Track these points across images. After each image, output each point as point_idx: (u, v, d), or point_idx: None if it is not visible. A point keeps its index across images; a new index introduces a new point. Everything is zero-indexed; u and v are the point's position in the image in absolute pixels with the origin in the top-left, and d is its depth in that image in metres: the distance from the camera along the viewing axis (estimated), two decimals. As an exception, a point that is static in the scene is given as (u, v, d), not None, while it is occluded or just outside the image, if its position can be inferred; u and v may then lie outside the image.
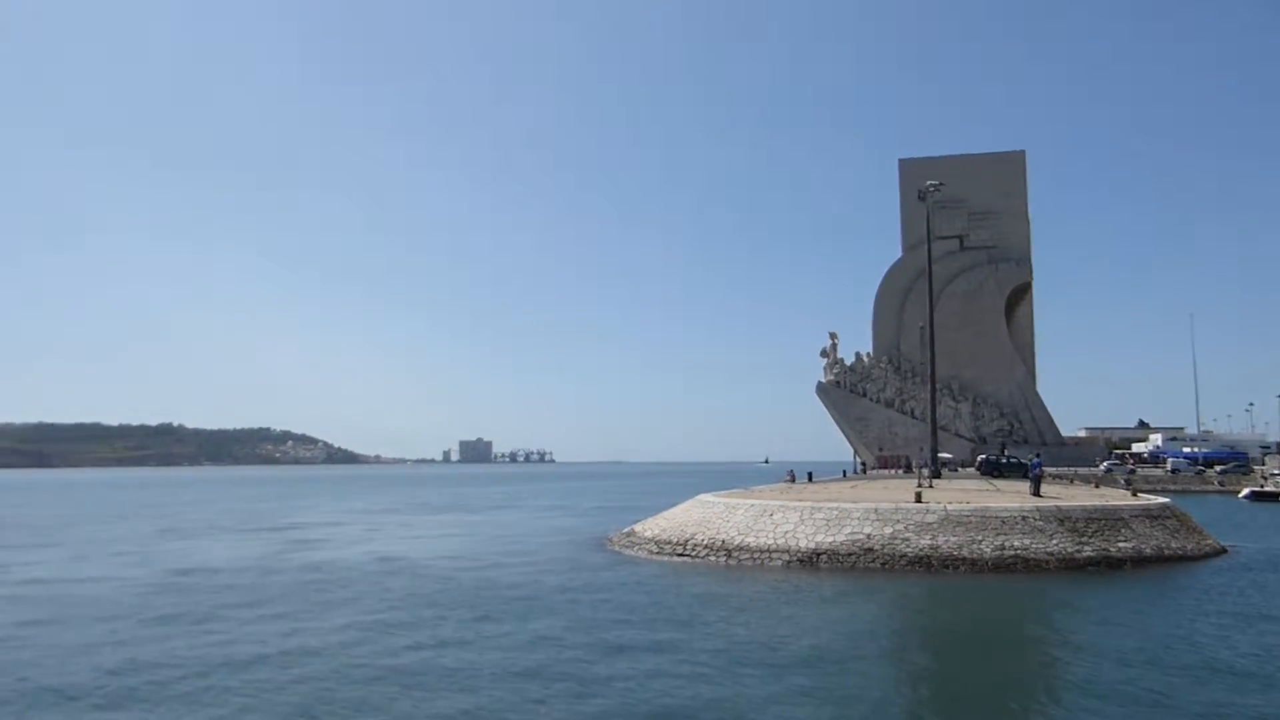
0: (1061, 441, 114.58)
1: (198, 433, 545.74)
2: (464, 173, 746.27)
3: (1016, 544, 31.37)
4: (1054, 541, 31.68)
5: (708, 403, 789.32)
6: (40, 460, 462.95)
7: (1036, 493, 39.22)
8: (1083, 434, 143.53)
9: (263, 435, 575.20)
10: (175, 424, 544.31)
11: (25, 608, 25.79)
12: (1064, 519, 33.25)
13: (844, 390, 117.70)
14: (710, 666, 17.62)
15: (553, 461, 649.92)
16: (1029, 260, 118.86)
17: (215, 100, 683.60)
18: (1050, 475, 57.05)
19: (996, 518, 33.00)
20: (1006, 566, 30.36)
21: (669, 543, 37.91)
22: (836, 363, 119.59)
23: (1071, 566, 30.49)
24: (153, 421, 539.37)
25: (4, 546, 45.26)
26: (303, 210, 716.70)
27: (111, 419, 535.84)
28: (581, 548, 41.41)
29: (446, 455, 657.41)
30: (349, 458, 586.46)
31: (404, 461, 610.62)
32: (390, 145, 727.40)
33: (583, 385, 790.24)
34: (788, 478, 60.91)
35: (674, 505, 47.24)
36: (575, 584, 29.25)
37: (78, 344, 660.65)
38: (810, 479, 59.98)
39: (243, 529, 56.42)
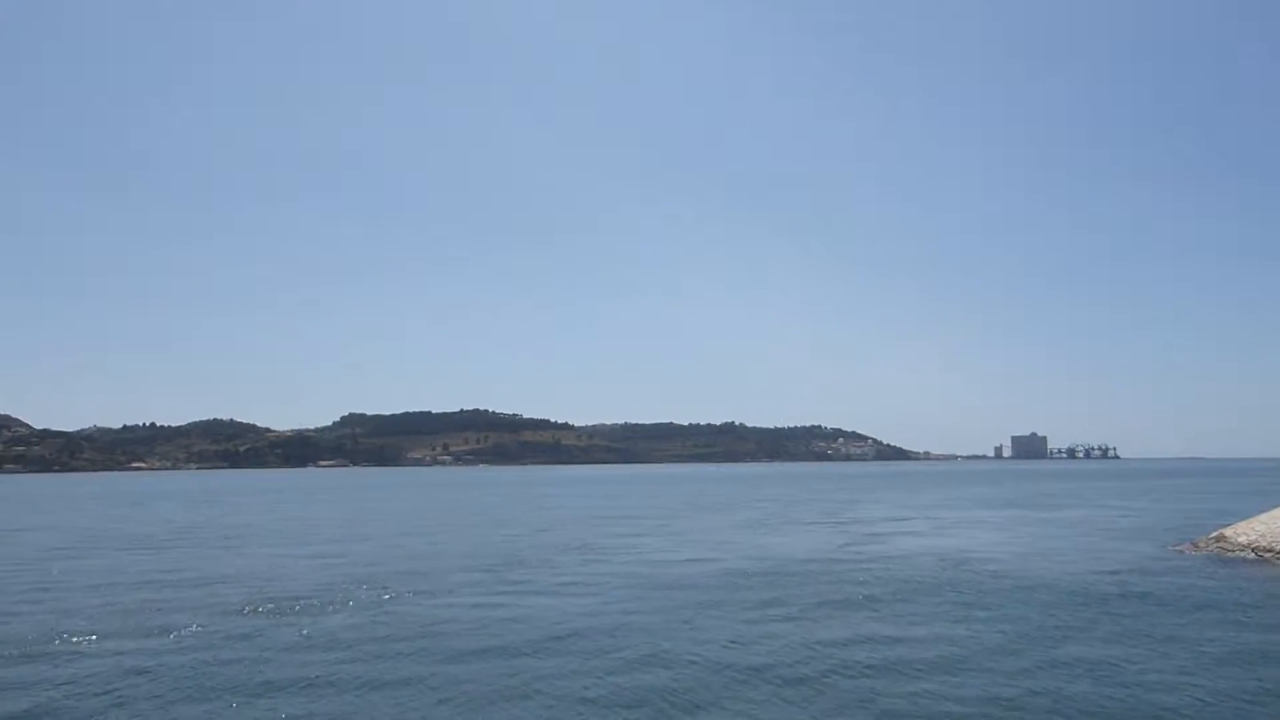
0: None
1: (756, 430, 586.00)
2: (1022, 169, 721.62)
3: None
4: None
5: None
6: (627, 456, 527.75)
7: None
8: None
9: (815, 433, 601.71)
10: (737, 423, 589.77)
11: (638, 584, 30.55)
12: None
13: None
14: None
15: (1116, 457, 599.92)
16: None
17: (723, 95, 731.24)
18: None
19: None
20: None
21: (1271, 550, 34.21)
22: None
23: None
24: (718, 421, 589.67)
25: (630, 533, 52.97)
26: (847, 210, 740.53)
27: (683, 419, 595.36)
28: (1161, 552, 38.72)
29: (998, 451, 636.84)
30: (898, 454, 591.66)
31: (954, 458, 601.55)
32: (940, 143, 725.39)
33: (1152, 374, 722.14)
34: None
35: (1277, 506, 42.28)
36: (1170, 592, 27.74)
37: (659, 352, 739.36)
38: None
39: (812, 522, 60.28)
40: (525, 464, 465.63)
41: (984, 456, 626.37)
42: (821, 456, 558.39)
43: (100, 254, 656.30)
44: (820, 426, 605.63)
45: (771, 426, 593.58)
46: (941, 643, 20.39)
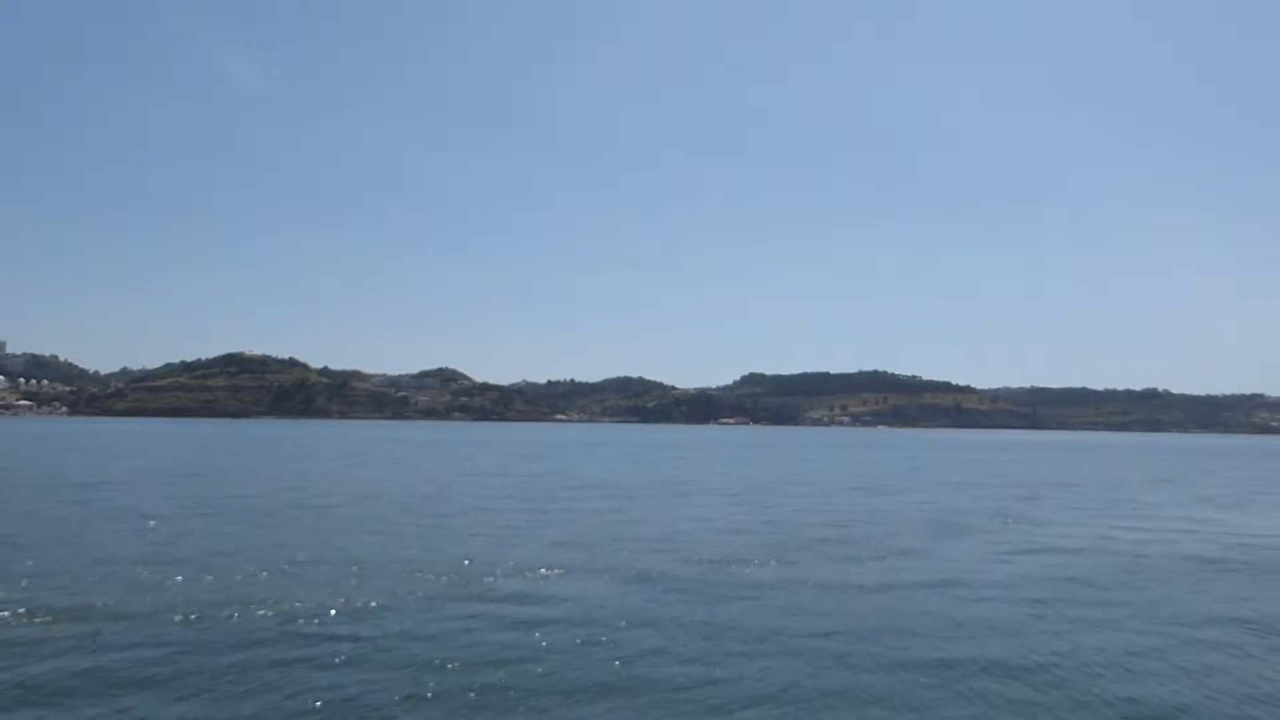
0: None
1: (1184, 398, 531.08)
2: None
3: None
4: None
5: None
6: (1034, 422, 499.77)
7: None
8: None
9: (1256, 401, 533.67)
10: (1160, 389, 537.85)
11: (1102, 567, 29.81)
12: None
13: None
14: None
15: None
16: None
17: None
18: None
19: None
20: None
21: None
22: None
23: None
24: (1138, 387, 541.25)
25: (1074, 503, 51.26)
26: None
27: (1097, 384, 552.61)
28: None
29: None
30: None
31: None
32: None
33: None
34: None
35: None
36: None
37: (1068, 311, 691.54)
38: None
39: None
40: (925, 426, 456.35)
41: None
42: (1264, 429, 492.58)
43: (522, 220, 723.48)
44: (1264, 395, 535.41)
45: (1202, 394, 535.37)
46: None
